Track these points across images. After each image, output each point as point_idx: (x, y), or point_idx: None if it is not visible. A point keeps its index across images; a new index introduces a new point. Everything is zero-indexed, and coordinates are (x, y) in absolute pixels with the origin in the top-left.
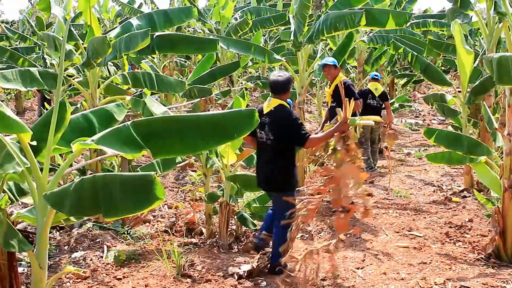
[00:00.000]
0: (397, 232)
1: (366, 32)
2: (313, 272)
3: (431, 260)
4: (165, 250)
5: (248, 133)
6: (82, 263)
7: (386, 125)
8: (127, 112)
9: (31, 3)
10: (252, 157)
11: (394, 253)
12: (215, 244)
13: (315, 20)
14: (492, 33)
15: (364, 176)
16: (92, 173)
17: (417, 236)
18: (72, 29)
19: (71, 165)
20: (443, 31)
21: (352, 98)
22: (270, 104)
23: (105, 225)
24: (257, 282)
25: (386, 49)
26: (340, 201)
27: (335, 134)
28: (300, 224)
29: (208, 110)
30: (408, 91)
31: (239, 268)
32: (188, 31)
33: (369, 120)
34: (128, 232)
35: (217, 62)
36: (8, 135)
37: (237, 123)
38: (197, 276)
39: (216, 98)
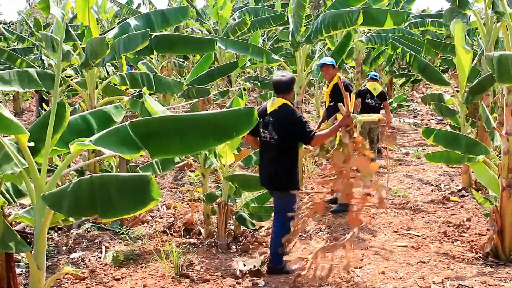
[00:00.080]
0: (396, 232)
1: (364, 32)
2: (324, 270)
3: (430, 259)
4: (163, 250)
5: (248, 132)
6: (81, 263)
7: (384, 125)
8: (126, 112)
9: (29, 4)
10: (251, 157)
11: (393, 253)
12: (213, 244)
13: (313, 20)
14: (490, 32)
15: (374, 166)
16: (90, 174)
17: (416, 235)
18: (70, 29)
19: (69, 166)
20: (441, 30)
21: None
22: (274, 103)
23: (103, 226)
24: (255, 282)
25: (384, 49)
26: (352, 195)
27: (340, 128)
28: (306, 218)
29: (207, 110)
30: (406, 91)
31: (244, 265)
32: (186, 31)
33: (368, 118)
34: (127, 232)
35: (215, 62)
36: (6, 136)
37: (236, 122)
38: (196, 276)
39: (214, 99)
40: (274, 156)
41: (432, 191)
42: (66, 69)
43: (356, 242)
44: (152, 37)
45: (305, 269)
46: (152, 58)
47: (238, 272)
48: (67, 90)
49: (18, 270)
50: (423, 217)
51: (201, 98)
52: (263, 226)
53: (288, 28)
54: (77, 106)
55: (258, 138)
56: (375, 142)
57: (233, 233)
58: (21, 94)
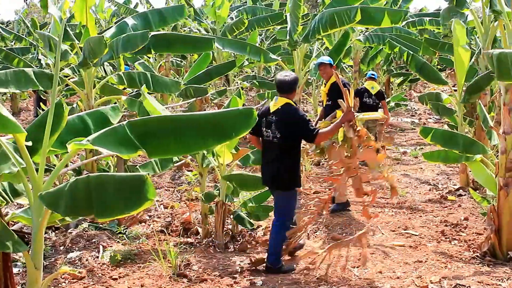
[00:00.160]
0: (393, 231)
1: (362, 31)
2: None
3: (427, 259)
4: (161, 250)
5: (247, 132)
6: (78, 263)
7: (383, 123)
8: (123, 112)
9: (26, 3)
10: (248, 156)
11: (390, 252)
12: (211, 243)
13: (311, 19)
14: (488, 31)
15: (381, 157)
16: (87, 173)
17: (413, 234)
18: (68, 29)
19: (66, 166)
20: (439, 29)
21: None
22: (277, 103)
23: (101, 225)
24: (253, 282)
25: (382, 48)
26: (362, 190)
27: (343, 125)
28: (313, 215)
29: (204, 110)
30: (404, 90)
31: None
32: (184, 30)
33: (371, 115)
34: (124, 232)
35: (213, 61)
36: (4, 136)
37: (235, 123)
38: (193, 275)
39: (212, 98)
40: (276, 155)
41: (429, 190)
42: (63, 69)
43: (367, 237)
44: (150, 36)
45: (315, 263)
46: (150, 58)
47: (238, 268)
48: (64, 89)
49: (15, 270)
50: (421, 216)
51: (198, 98)
52: (261, 226)
53: (286, 27)
54: (74, 105)
55: (260, 138)
56: None
57: (230, 233)
58: (18, 93)
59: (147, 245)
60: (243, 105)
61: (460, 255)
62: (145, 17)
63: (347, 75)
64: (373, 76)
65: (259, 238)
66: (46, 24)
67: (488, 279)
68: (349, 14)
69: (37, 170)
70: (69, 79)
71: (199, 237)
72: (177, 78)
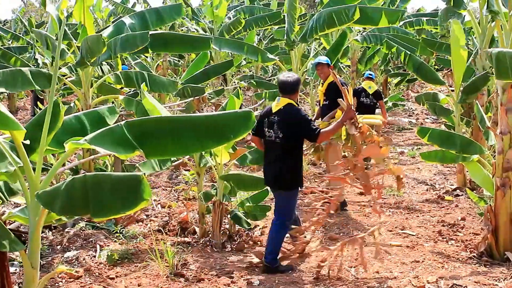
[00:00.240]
0: (390, 231)
1: (360, 31)
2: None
3: (424, 259)
4: (158, 249)
5: (245, 135)
6: (75, 262)
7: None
8: (121, 111)
9: (24, 2)
10: (246, 156)
11: (387, 252)
12: (208, 243)
13: (308, 19)
14: (485, 32)
15: (385, 151)
16: (84, 173)
17: (410, 234)
18: (65, 28)
19: (63, 165)
20: (436, 29)
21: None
22: (279, 103)
23: (98, 225)
24: (250, 281)
25: (380, 48)
26: (371, 186)
27: (344, 123)
28: (322, 216)
29: (202, 109)
30: (402, 90)
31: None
32: (182, 30)
33: (371, 120)
34: (121, 231)
35: (211, 61)
36: (1, 134)
37: (233, 125)
38: (190, 275)
39: (209, 97)
40: (279, 155)
41: (427, 190)
42: (61, 68)
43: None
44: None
45: (325, 260)
46: (147, 57)
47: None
48: (61, 88)
49: (12, 269)
50: (418, 216)
51: (196, 97)
52: (258, 225)
53: (284, 27)
54: (72, 104)
55: (262, 139)
56: None
57: (228, 232)
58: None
59: (144, 244)
60: (241, 105)
61: (457, 255)
62: (143, 16)
63: (345, 75)
64: (370, 76)
65: (256, 238)
66: (43, 23)
67: (485, 279)
68: (347, 14)
69: (34, 169)
70: (66, 78)
71: (197, 237)
72: (175, 77)
